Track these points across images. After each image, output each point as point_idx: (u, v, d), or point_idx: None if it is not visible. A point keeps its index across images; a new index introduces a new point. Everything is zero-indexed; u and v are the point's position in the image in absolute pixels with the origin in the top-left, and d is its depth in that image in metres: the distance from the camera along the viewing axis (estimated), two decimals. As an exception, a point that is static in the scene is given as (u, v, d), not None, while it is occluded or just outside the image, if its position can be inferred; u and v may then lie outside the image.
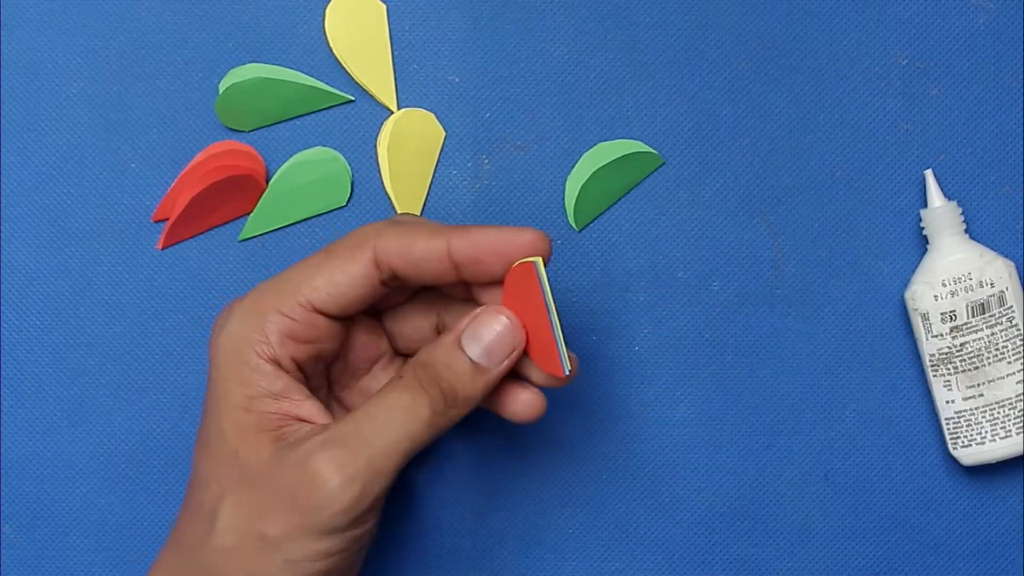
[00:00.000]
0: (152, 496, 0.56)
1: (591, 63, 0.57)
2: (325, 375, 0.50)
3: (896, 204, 0.57)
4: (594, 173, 0.56)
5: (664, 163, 0.57)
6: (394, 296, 0.50)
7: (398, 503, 0.57)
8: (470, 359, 0.46)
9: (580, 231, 0.57)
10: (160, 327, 0.56)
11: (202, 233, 0.56)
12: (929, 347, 0.54)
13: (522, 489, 0.57)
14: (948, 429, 0.55)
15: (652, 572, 0.56)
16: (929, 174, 0.56)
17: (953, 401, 0.54)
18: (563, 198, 0.57)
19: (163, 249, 0.56)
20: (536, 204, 0.57)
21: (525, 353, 0.47)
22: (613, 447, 0.56)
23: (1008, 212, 0.57)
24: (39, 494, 0.56)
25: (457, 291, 0.49)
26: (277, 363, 0.46)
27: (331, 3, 0.56)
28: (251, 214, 0.56)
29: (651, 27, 0.57)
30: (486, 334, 0.46)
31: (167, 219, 0.56)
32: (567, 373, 0.46)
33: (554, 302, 0.45)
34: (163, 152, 0.56)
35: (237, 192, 0.55)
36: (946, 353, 0.54)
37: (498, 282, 0.47)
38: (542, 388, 0.48)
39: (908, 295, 0.55)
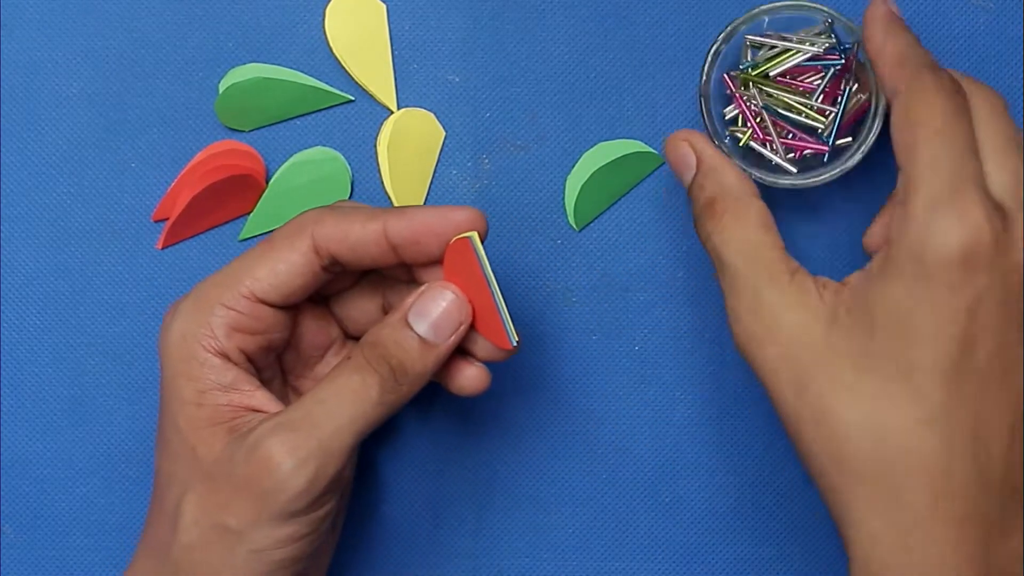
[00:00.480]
0: (152, 496, 0.56)
1: (591, 63, 0.57)
2: (278, 365, 0.50)
3: (896, 204, 0.57)
4: (594, 173, 0.56)
5: (664, 163, 0.57)
6: (339, 281, 0.50)
7: (398, 503, 0.57)
8: (418, 335, 0.46)
9: (580, 231, 0.57)
10: (160, 327, 0.56)
11: (202, 233, 0.56)
12: None
13: (522, 489, 0.57)
14: None
15: (652, 572, 0.56)
16: None
17: None
18: (563, 198, 0.57)
19: (163, 249, 0.56)
20: (536, 204, 0.57)
21: (472, 327, 0.48)
22: (613, 447, 0.56)
23: (1008, 212, 0.57)
24: (39, 494, 0.56)
25: (400, 273, 0.50)
26: (225, 356, 0.46)
27: (331, 3, 0.56)
28: (251, 214, 0.56)
29: (651, 27, 0.57)
30: (433, 310, 0.46)
31: (167, 219, 0.56)
32: (514, 344, 0.47)
33: (494, 274, 0.46)
34: (163, 152, 0.56)
35: (237, 192, 0.55)
36: None
37: (438, 262, 0.47)
38: (487, 362, 0.49)
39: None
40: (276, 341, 0.48)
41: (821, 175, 0.53)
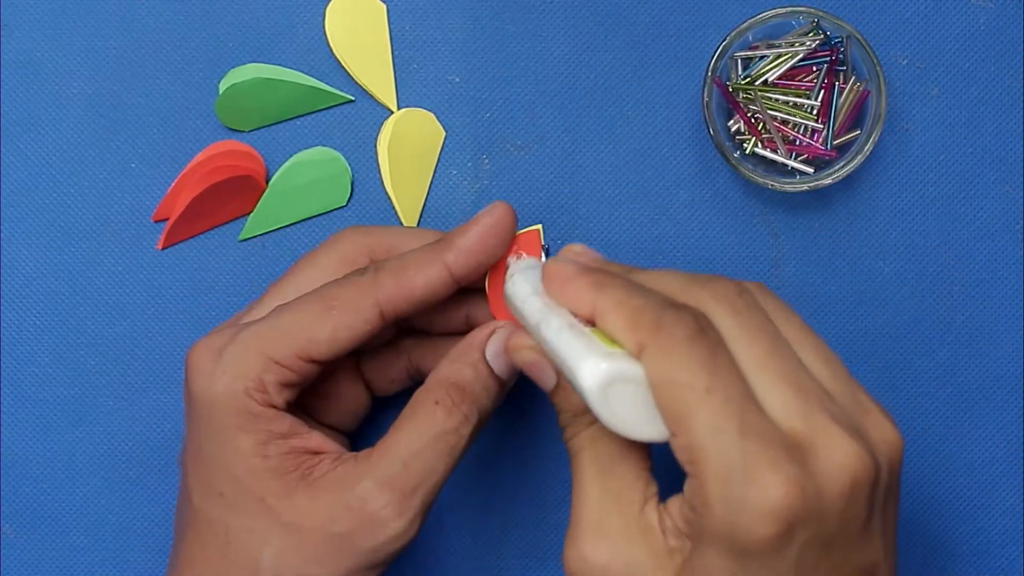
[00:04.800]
0: (152, 496, 0.56)
1: (591, 63, 0.57)
2: None
3: (896, 205, 0.57)
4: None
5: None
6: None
7: (398, 503, 0.57)
8: (497, 375, 0.47)
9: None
10: (160, 327, 0.56)
11: (202, 233, 0.56)
12: None
13: (523, 489, 0.56)
14: None
15: (652, 572, 0.56)
16: None
17: None
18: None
19: (163, 249, 0.56)
20: (536, 204, 0.57)
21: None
22: (613, 447, 0.56)
23: (1008, 212, 0.57)
24: (39, 494, 0.56)
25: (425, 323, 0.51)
26: (275, 407, 0.46)
27: (331, 3, 0.56)
28: (251, 214, 0.56)
29: (651, 27, 0.57)
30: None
31: (167, 219, 0.56)
32: None
33: None
34: (163, 152, 0.56)
35: (237, 192, 0.55)
36: None
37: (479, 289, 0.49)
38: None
39: None
40: (308, 384, 0.48)
41: (833, 173, 0.53)
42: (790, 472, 0.37)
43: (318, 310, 0.46)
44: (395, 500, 0.44)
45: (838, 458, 0.38)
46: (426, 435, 0.45)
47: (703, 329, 0.39)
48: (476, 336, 0.47)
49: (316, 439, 0.46)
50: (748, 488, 0.37)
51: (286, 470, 0.45)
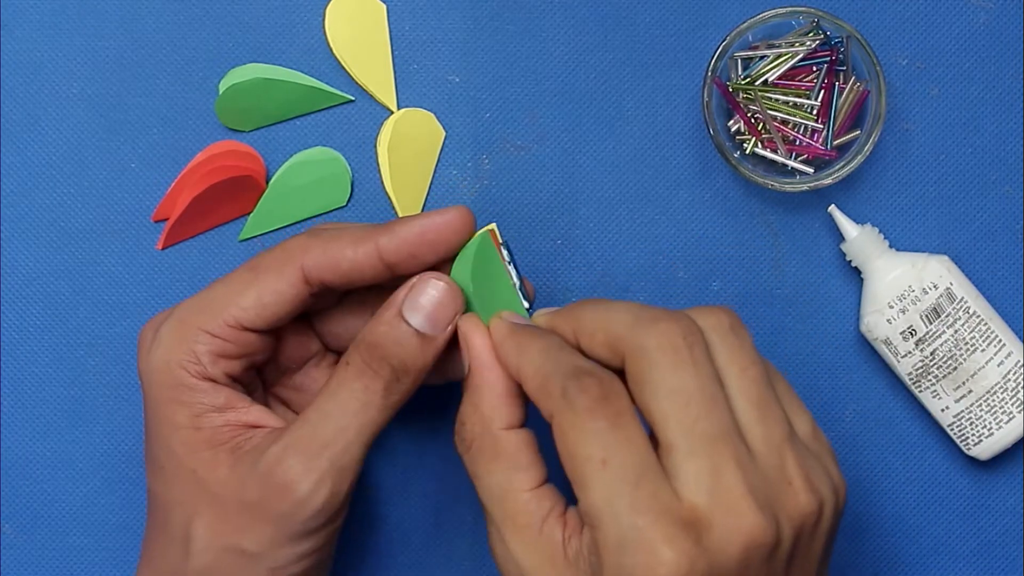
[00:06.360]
0: (152, 496, 0.56)
1: (591, 63, 0.57)
2: (258, 377, 0.50)
3: (896, 205, 0.57)
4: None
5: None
6: (322, 301, 0.50)
7: (398, 504, 0.56)
8: (415, 329, 0.45)
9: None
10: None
11: (202, 233, 0.56)
12: (903, 367, 0.54)
13: (522, 489, 0.56)
14: (954, 433, 0.55)
15: (652, 572, 0.56)
16: (834, 209, 0.55)
17: (947, 407, 0.54)
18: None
19: (163, 249, 0.56)
20: (536, 204, 0.57)
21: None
22: (613, 447, 0.56)
23: (1008, 212, 0.57)
24: (39, 494, 0.56)
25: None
26: (212, 380, 0.46)
27: (331, 3, 0.56)
28: (251, 214, 0.56)
29: (651, 27, 0.57)
30: (426, 301, 0.45)
31: (167, 219, 0.56)
32: None
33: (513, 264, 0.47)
34: (163, 152, 0.56)
35: (237, 192, 0.55)
36: (921, 367, 0.54)
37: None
38: None
39: (863, 329, 0.55)
40: (259, 361, 0.48)
41: (833, 173, 0.53)
42: (680, 546, 0.38)
43: (246, 278, 0.46)
44: (301, 461, 0.44)
45: (732, 530, 0.38)
46: (334, 395, 0.45)
47: (606, 397, 0.40)
48: (396, 295, 0.46)
49: (255, 413, 0.46)
50: (636, 559, 0.38)
51: (218, 442, 0.45)
